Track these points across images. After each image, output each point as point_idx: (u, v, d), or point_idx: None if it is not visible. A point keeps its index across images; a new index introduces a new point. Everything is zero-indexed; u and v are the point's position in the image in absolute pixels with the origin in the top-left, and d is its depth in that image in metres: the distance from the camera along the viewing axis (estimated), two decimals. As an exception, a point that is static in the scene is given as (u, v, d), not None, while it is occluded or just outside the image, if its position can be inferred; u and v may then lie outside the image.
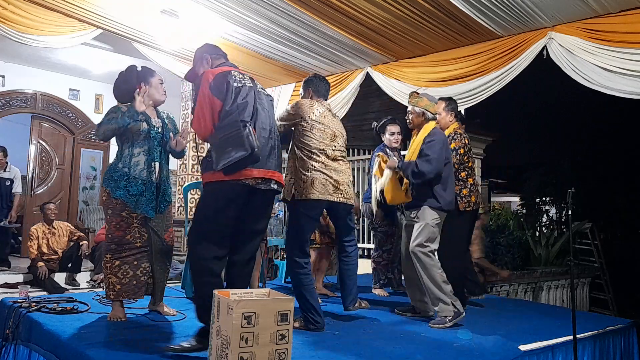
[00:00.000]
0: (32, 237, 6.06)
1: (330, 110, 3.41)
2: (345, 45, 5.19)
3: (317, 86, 3.48)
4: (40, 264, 5.88)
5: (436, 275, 3.35)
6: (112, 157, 8.41)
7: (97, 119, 8.66)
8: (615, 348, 3.62)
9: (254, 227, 2.75)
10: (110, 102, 8.74)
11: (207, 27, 5.10)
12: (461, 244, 3.94)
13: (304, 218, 3.17)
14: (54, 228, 6.26)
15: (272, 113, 2.87)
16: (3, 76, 7.74)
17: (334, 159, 3.25)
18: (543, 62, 4.29)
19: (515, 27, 4.39)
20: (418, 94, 3.70)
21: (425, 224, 3.43)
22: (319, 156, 3.19)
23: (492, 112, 4.19)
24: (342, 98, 5.81)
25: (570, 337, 2.89)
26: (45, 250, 6.09)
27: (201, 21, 5.01)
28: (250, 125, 2.58)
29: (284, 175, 3.01)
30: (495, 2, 3.97)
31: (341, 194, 3.22)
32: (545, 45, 4.22)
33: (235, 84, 2.64)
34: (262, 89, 2.84)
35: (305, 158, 3.17)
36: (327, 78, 6.15)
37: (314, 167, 3.14)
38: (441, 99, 4.07)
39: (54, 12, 4.96)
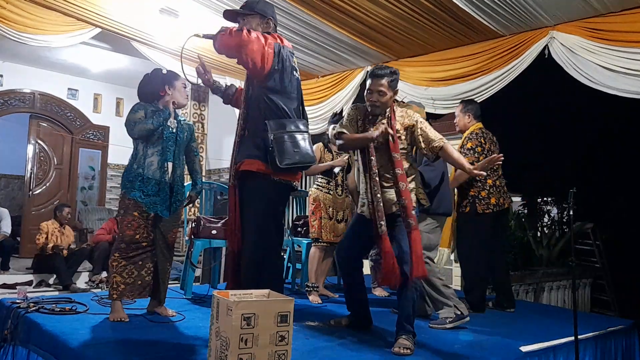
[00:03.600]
0: (42, 232, 6.24)
1: None
2: (345, 45, 5.17)
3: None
4: (50, 245, 6.16)
5: (435, 281, 3.32)
6: (111, 157, 8.57)
7: (95, 118, 8.68)
8: (617, 349, 3.60)
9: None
10: (109, 101, 8.79)
11: (206, 26, 5.07)
12: (482, 247, 3.87)
13: None
14: (64, 229, 6.48)
15: None
16: (1, 75, 7.72)
17: None
18: (544, 61, 4.27)
19: (517, 26, 4.37)
20: (405, 102, 3.67)
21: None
22: None
23: (493, 111, 4.18)
24: (342, 97, 5.78)
25: (572, 338, 2.86)
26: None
27: (201, 20, 4.99)
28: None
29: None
30: (496, 1, 3.95)
31: None
32: (546, 45, 4.20)
33: (296, 75, 2.69)
34: None
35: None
36: (327, 77, 6.17)
37: None
38: (461, 101, 4.23)
39: (52, 11, 4.93)
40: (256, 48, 2.52)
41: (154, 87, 3.18)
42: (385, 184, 2.84)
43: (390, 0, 4.14)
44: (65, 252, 6.20)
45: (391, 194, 2.82)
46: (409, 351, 2.59)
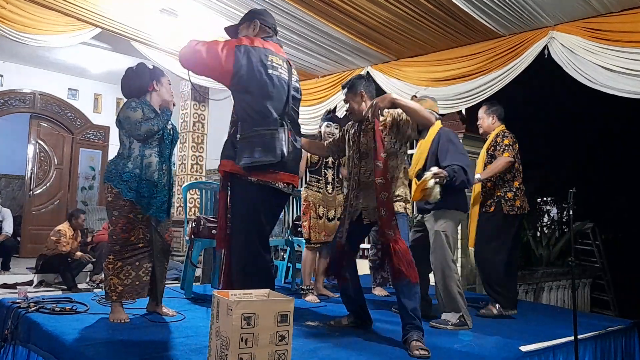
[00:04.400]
0: (62, 235, 6.23)
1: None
2: (345, 45, 5.17)
3: None
4: (79, 253, 6.18)
5: (453, 287, 3.28)
6: (111, 157, 8.48)
7: (96, 118, 8.68)
8: (617, 349, 3.60)
9: (271, 228, 2.76)
10: (109, 101, 8.79)
11: (206, 26, 5.08)
12: (504, 249, 3.81)
13: None
14: (77, 235, 6.50)
15: (299, 108, 2.83)
16: (1, 76, 7.72)
17: None
18: (544, 61, 4.27)
19: (517, 27, 4.37)
20: (417, 97, 3.67)
21: (439, 232, 3.33)
22: None
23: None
24: (342, 98, 5.78)
25: (572, 338, 2.86)
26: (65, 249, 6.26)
27: (200, 20, 4.99)
28: (287, 126, 2.58)
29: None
30: (496, 1, 3.95)
31: None
32: (546, 45, 4.21)
33: (276, 73, 2.61)
34: (296, 80, 2.79)
35: None
36: (327, 78, 6.16)
37: None
38: (485, 103, 4.17)
39: (52, 11, 4.94)
40: (206, 55, 2.54)
41: (141, 82, 3.13)
42: (371, 190, 2.83)
43: (390, 1, 4.15)
44: (80, 254, 6.24)
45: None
46: (427, 353, 2.60)
